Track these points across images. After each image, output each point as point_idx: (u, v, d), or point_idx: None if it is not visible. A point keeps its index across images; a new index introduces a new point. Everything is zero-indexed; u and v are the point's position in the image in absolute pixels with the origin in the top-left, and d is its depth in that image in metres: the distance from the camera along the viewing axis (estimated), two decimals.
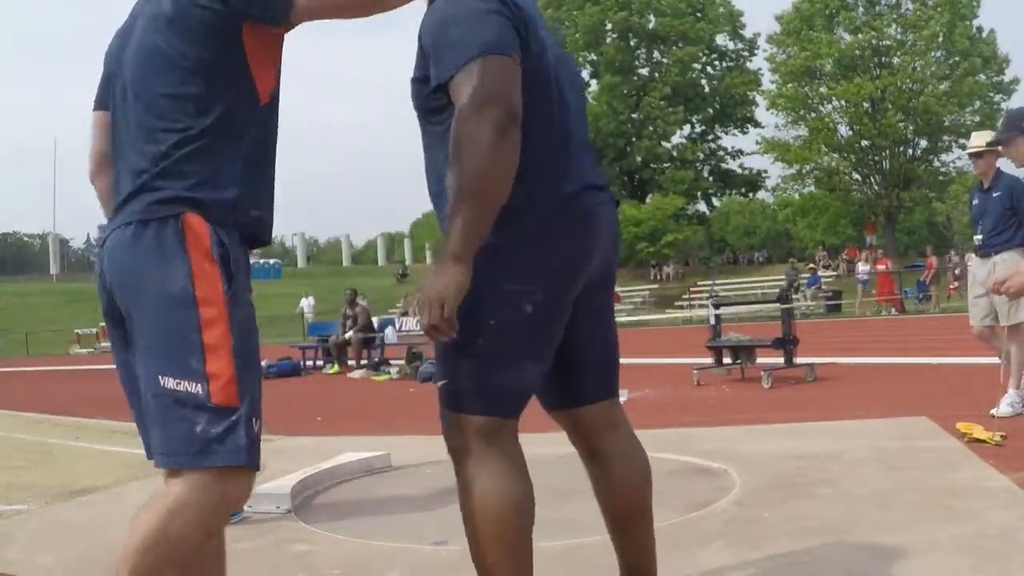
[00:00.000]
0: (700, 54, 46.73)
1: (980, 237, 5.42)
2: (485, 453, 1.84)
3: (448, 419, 1.91)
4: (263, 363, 4.10)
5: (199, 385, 1.53)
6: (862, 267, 25.77)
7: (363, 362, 13.54)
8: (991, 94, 38.34)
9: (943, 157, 39.74)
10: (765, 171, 48.05)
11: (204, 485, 1.53)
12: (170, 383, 1.53)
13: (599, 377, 2.04)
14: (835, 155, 39.94)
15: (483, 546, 1.86)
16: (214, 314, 1.56)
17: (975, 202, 5.58)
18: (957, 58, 36.66)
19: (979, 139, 5.69)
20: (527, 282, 1.79)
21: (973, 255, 5.68)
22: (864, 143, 38.66)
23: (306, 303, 31.87)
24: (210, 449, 1.53)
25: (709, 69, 48.12)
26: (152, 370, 1.56)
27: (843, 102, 37.93)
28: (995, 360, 5.47)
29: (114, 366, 1.79)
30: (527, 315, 1.79)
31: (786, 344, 8.17)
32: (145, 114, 1.67)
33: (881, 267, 25.04)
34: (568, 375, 2.00)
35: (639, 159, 46.68)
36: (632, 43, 47.11)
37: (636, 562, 2.10)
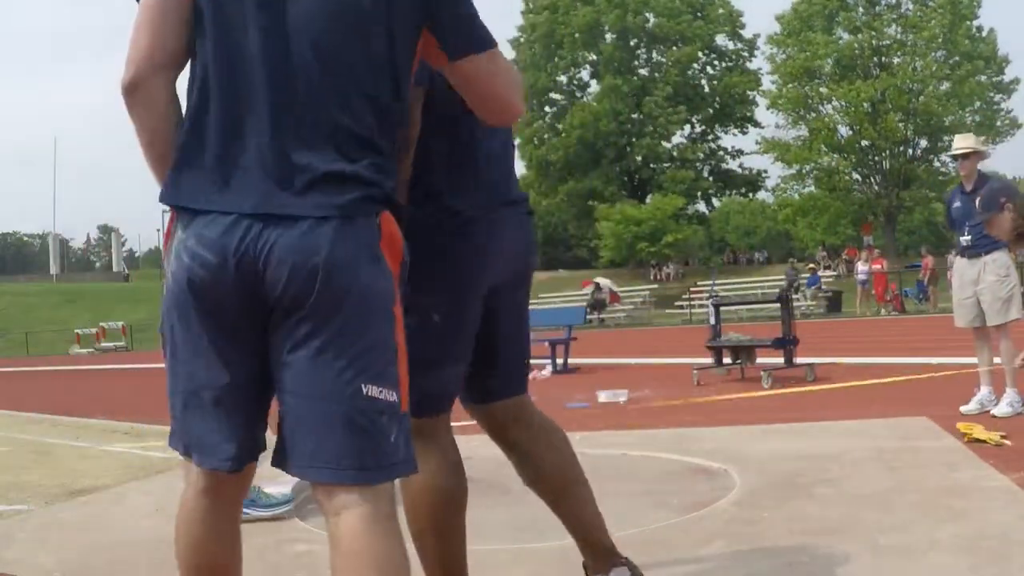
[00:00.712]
0: (699, 54, 46.76)
1: (969, 238, 5.43)
2: (416, 450, 1.97)
3: None
4: None
5: (394, 392, 1.45)
6: (861, 267, 25.77)
7: None
8: (991, 94, 38.35)
9: (943, 157, 39.72)
10: (765, 171, 48.11)
11: (388, 490, 1.47)
12: (373, 391, 1.41)
13: (510, 375, 2.15)
14: (835, 155, 39.95)
15: (416, 530, 2.03)
16: (400, 318, 1.50)
17: (957, 204, 5.57)
18: (957, 58, 36.66)
19: (963, 141, 5.68)
20: (432, 294, 1.91)
21: (958, 257, 5.69)
22: (864, 143, 38.67)
23: None
24: (400, 459, 1.46)
25: (709, 69, 48.15)
26: (354, 378, 1.40)
27: (843, 103, 37.94)
28: (994, 360, 5.48)
29: (163, 367, 1.54)
30: (436, 323, 1.93)
31: (786, 344, 8.17)
32: (347, 89, 1.44)
33: (876, 267, 25.04)
34: (481, 373, 2.10)
35: (639, 159, 46.68)
36: (631, 43, 47.13)
37: (585, 533, 2.21)
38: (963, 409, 5.30)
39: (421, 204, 1.90)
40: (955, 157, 5.69)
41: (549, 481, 2.20)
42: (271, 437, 1.58)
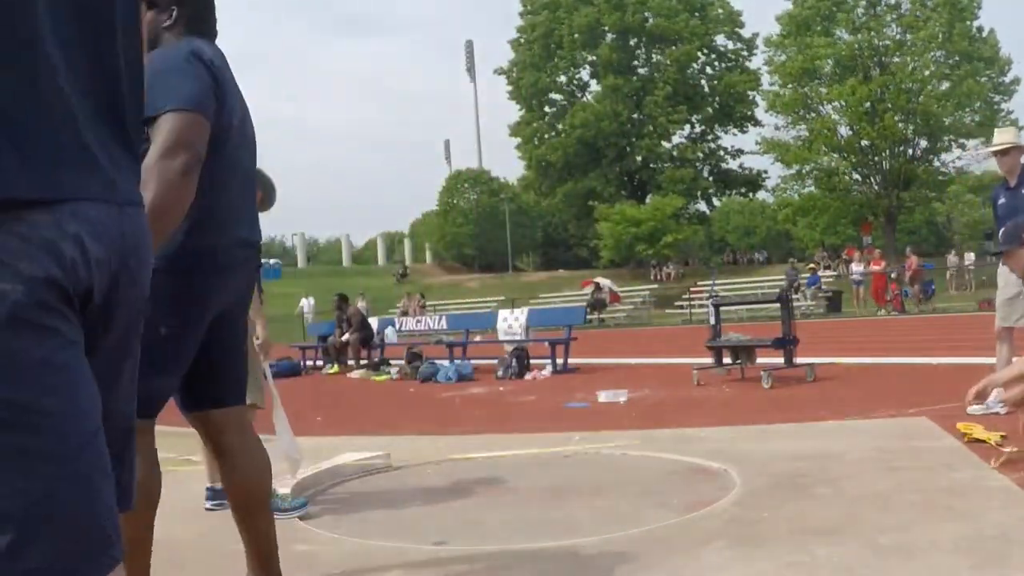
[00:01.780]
0: (699, 54, 46.79)
1: None
2: None
3: None
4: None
5: None
6: (855, 267, 25.74)
7: (363, 362, 13.55)
8: (991, 95, 38.30)
9: (943, 157, 39.78)
10: (765, 171, 48.15)
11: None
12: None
13: (230, 385, 2.41)
14: (835, 155, 39.95)
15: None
16: None
17: (1001, 200, 5.39)
18: (957, 58, 36.66)
19: (1002, 136, 5.49)
20: (164, 311, 2.09)
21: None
22: (864, 143, 38.67)
23: (306, 303, 31.90)
24: None
25: (708, 69, 48.18)
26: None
27: (842, 103, 37.94)
28: (994, 360, 5.47)
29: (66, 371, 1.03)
30: (162, 336, 2.13)
31: (786, 344, 8.16)
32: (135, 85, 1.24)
33: (876, 268, 25.02)
34: (205, 383, 2.36)
35: (639, 159, 46.71)
36: (631, 43, 47.17)
37: (259, 545, 2.47)
38: (970, 410, 5.24)
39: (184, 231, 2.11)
40: (995, 154, 5.48)
41: (243, 491, 2.43)
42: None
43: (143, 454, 2.15)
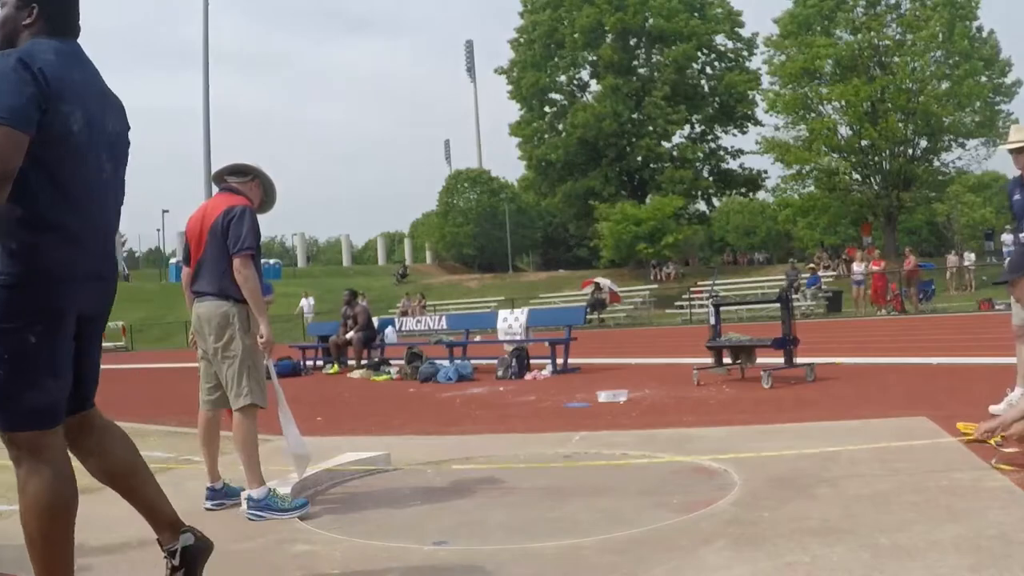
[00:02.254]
0: (698, 53, 46.75)
1: None
2: (35, 462, 2.20)
3: (2, 437, 2.25)
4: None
5: None
6: (856, 267, 25.75)
7: (363, 362, 13.55)
8: (991, 96, 38.26)
9: (943, 157, 39.77)
10: (765, 171, 48.06)
11: None
12: None
13: (86, 392, 2.46)
14: (835, 155, 39.93)
15: (33, 538, 2.24)
16: None
17: (1016, 196, 5.37)
18: (957, 59, 36.66)
19: (1018, 134, 5.50)
20: (25, 320, 2.15)
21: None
22: (864, 143, 38.66)
23: (306, 303, 31.93)
24: None
25: (708, 69, 48.15)
26: None
27: (843, 103, 37.93)
28: (994, 360, 5.45)
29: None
30: (33, 344, 2.17)
31: (786, 344, 8.17)
32: None
33: (876, 268, 25.02)
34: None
35: (639, 159, 46.68)
36: (631, 43, 47.16)
37: (152, 507, 2.54)
38: (992, 409, 5.20)
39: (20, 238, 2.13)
40: (1011, 151, 5.38)
41: (121, 472, 2.50)
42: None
43: (53, 461, 2.22)
